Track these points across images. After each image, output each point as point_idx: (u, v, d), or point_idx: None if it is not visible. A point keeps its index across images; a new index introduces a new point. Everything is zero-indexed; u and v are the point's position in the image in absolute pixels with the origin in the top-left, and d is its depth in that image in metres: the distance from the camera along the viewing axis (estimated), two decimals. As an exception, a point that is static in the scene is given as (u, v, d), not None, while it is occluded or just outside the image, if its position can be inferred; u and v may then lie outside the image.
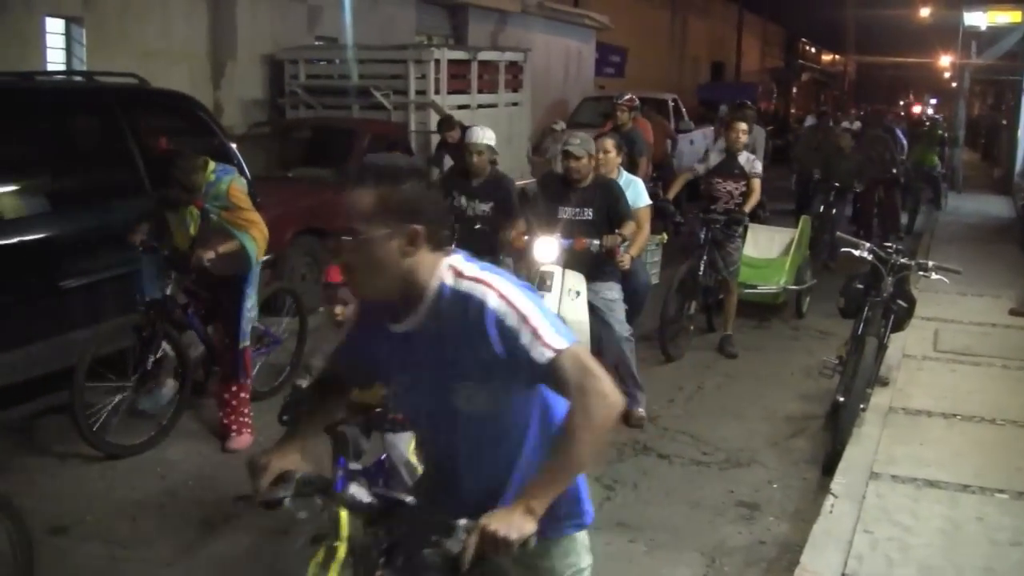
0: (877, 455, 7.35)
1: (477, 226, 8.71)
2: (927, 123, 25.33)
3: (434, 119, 14.68)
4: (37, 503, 6.65)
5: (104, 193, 8.80)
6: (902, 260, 8.39)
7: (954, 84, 37.38)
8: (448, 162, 12.84)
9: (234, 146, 10.31)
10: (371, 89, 15.24)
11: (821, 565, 5.69)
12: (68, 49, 13.74)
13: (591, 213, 8.01)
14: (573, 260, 7.84)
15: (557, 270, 7.71)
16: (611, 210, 8.06)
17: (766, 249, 12.83)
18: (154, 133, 9.40)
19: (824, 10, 58.12)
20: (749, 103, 18.88)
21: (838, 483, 6.84)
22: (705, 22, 47.36)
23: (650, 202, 9.07)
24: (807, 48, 73.60)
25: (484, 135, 8.81)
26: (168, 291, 7.74)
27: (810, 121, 27.37)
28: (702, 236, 10.54)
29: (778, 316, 12.43)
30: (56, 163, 8.68)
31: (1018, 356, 10.11)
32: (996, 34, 26.30)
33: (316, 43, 17.80)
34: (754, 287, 11.88)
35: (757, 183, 10.72)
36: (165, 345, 7.83)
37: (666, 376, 9.81)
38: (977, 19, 25.84)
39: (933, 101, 68.83)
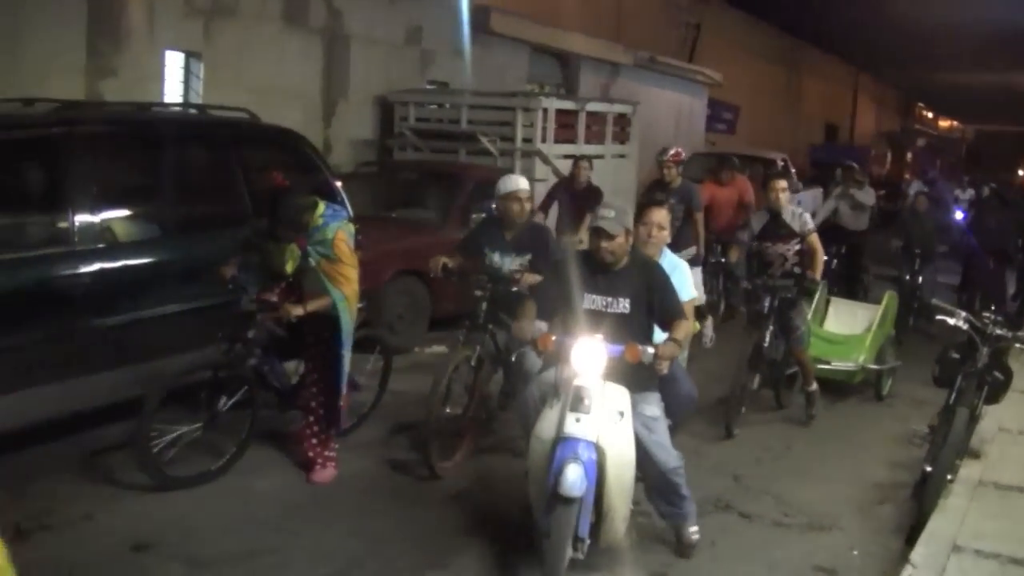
0: (962, 527, 7.21)
1: (514, 288, 8.17)
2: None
3: (540, 167, 14.78)
4: (121, 520, 6.86)
5: (211, 223, 9.04)
6: (999, 331, 8.28)
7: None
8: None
9: (339, 184, 10.47)
10: (478, 134, 15.38)
11: (895, 636, 5.61)
12: (186, 82, 14.12)
13: (627, 304, 6.44)
14: (609, 368, 6.18)
15: (597, 385, 6.09)
16: (655, 302, 6.49)
17: (848, 324, 12.31)
18: (261, 167, 9.60)
19: (943, 74, 57.57)
20: (854, 165, 18.76)
21: (919, 553, 6.72)
22: (821, 82, 47.11)
23: (695, 294, 7.61)
24: (924, 112, 72.89)
25: (523, 181, 8.61)
26: (251, 334, 7.73)
27: (916, 187, 27.04)
28: (766, 305, 9.98)
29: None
30: (167, 192, 8.83)
31: (1119, 435, 9.88)
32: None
33: (428, 87, 18.02)
34: (829, 363, 11.12)
35: (815, 239, 10.18)
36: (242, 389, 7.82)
37: (754, 435, 9.75)
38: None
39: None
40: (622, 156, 17.66)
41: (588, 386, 6.00)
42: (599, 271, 6.46)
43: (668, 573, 6.66)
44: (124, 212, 8.46)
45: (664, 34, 29.05)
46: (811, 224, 10.20)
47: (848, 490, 8.53)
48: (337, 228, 7.55)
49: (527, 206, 8.38)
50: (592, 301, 6.42)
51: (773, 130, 38.91)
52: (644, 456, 6.29)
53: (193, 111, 10.89)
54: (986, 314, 8.82)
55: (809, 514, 7.89)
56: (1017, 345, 8.49)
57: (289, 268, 7.73)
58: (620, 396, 6.16)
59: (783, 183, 10.27)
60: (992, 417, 9.60)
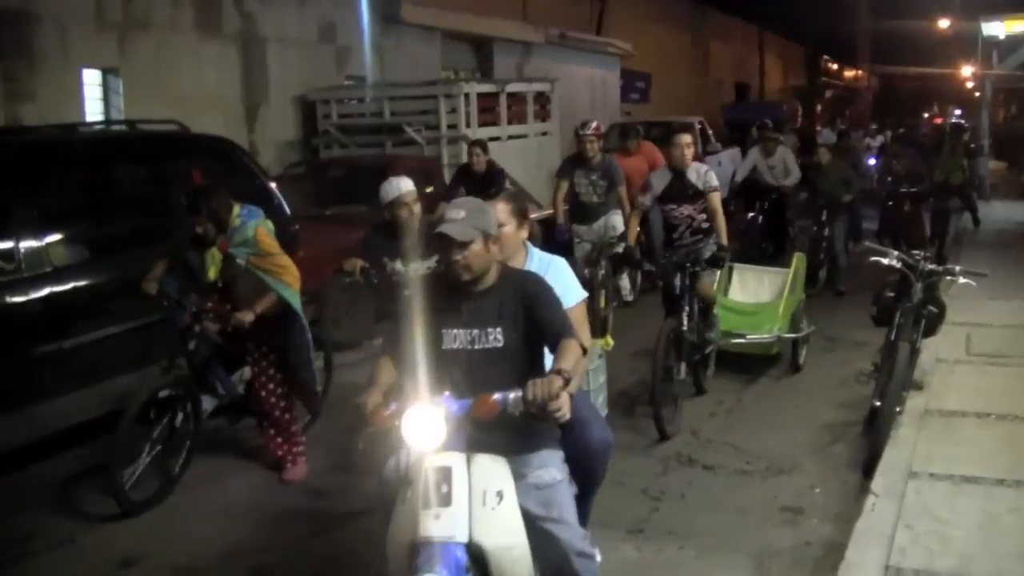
0: (915, 455, 7.57)
1: None
2: (947, 132, 23.93)
3: (465, 152, 14.97)
4: (103, 540, 6.98)
5: (149, 240, 8.92)
6: (930, 267, 8.61)
7: (977, 94, 37.43)
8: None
9: (274, 186, 10.63)
10: (403, 125, 15.53)
11: (866, 560, 5.91)
12: (105, 99, 14.13)
13: (500, 335, 4.65)
14: (478, 429, 4.45)
15: (456, 462, 4.38)
16: (537, 323, 4.64)
17: (755, 292, 11.54)
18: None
19: (843, 25, 58.34)
20: (769, 124, 19.02)
21: (878, 483, 7.06)
22: (727, 44, 47.59)
23: (584, 295, 5.55)
24: (829, 65, 73.70)
25: (405, 183, 7.48)
26: (192, 347, 7.68)
27: (827, 137, 27.49)
28: (677, 284, 9.15)
29: (816, 330, 12.57)
30: (100, 212, 8.94)
31: (1048, 357, 10.31)
32: (1015, 42, 26.43)
33: (346, 83, 18.13)
34: (742, 336, 10.32)
35: (716, 199, 9.39)
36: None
37: (706, 392, 10.02)
38: (995, 29, 25.98)
39: (958, 112, 68.78)
40: (545, 133, 17.90)
41: (446, 466, 4.35)
42: (459, 295, 4.70)
43: (644, 528, 6.91)
44: (56, 237, 8.34)
45: (571, 9, 29.28)
46: (715, 182, 9.44)
47: (802, 434, 8.84)
48: (256, 225, 7.53)
49: (416, 208, 7.39)
50: (454, 338, 4.69)
51: (685, 95, 39.32)
52: (541, 540, 4.57)
53: (122, 127, 10.92)
54: (916, 251, 9.19)
55: (768, 460, 8.17)
56: (948, 278, 8.80)
57: (212, 274, 7.62)
58: (495, 469, 4.49)
59: (687, 138, 9.48)
60: (930, 350, 9.96)
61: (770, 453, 8.32)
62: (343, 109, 16.57)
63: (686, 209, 9.50)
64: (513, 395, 4.27)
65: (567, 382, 4.23)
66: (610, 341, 8.02)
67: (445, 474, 4.30)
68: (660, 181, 9.59)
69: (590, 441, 5.17)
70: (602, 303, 11.85)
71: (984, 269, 9.36)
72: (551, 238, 12.44)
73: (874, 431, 7.92)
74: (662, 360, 8.54)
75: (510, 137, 16.31)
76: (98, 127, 11.90)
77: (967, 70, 45.72)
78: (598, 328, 10.70)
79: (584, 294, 5.55)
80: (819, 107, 62.06)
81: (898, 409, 8.14)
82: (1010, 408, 8.62)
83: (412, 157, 14.90)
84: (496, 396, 4.31)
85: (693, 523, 7.01)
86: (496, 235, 4.71)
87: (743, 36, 50.09)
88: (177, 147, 10.07)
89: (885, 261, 8.67)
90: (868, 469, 7.52)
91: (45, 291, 7.93)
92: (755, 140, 21.53)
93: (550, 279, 4.93)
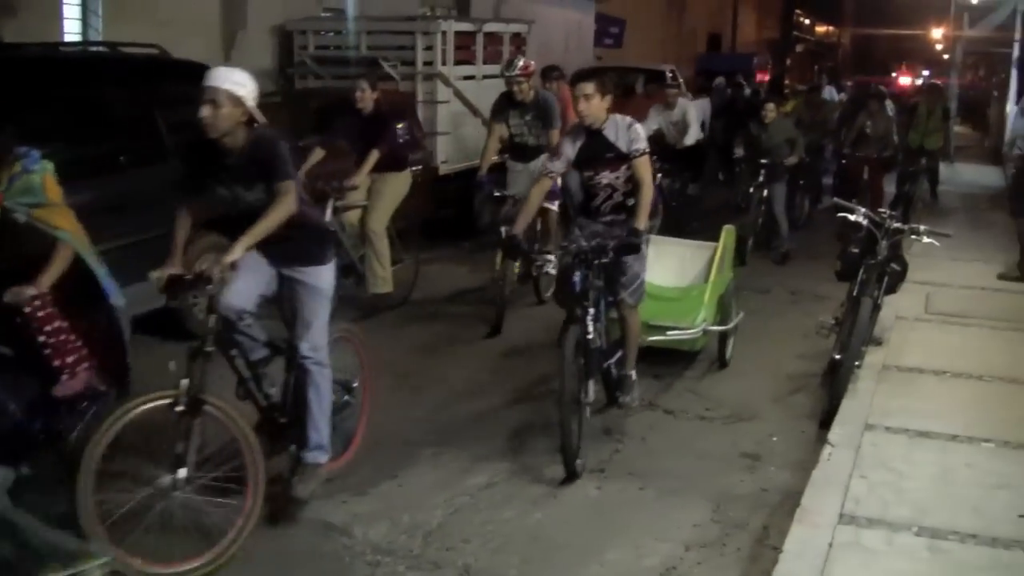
0: (872, 408, 7.78)
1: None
2: (923, 93, 21.17)
3: (441, 89, 14.98)
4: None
5: (130, 164, 9.05)
6: (896, 225, 8.79)
7: (947, 56, 37.67)
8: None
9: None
10: (379, 60, 15.52)
11: (821, 507, 6.09)
12: (84, 20, 14.03)
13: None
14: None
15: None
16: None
17: (676, 272, 9.85)
18: (176, 103, 9.75)
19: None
20: (739, 74, 19.12)
21: (835, 433, 7.26)
22: (703, -7, 47.58)
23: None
24: (802, 19, 73.76)
25: (229, 76, 5.79)
26: None
27: (830, 94, 27.39)
28: (577, 282, 7.18)
29: (780, 283, 12.82)
30: (81, 132, 8.85)
31: (1005, 317, 10.58)
32: (987, 6, 26.60)
33: (325, 14, 18.07)
34: (663, 330, 8.71)
35: (642, 164, 7.37)
36: None
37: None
38: (969, -8, 26.19)
39: (926, 73, 69.06)
40: (521, 74, 17.91)
41: None
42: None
43: (605, 468, 7.11)
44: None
45: (549, -50, 29.21)
46: (641, 142, 7.37)
47: (763, 383, 9.06)
48: (43, 171, 6.09)
49: (235, 113, 5.63)
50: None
51: (658, 42, 39.32)
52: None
53: (103, 49, 10.90)
54: (882, 209, 9.38)
55: (729, 407, 8.40)
56: (912, 237, 8.97)
57: None
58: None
59: (588, 87, 7.20)
60: (890, 307, 10.15)
61: (731, 400, 8.53)
62: (320, 41, 16.49)
63: (605, 176, 7.53)
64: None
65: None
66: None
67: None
68: (574, 142, 7.49)
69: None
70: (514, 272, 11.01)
71: (948, 230, 9.59)
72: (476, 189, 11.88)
73: (833, 383, 8.13)
74: (571, 388, 6.85)
75: (484, 77, 16.27)
76: (79, 47, 11.87)
77: (938, 32, 45.94)
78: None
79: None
80: (788, 61, 62.09)
81: (857, 363, 8.33)
82: (966, 367, 8.85)
83: (387, 91, 14.86)
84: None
85: (654, 465, 7.20)
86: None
87: (719, -15, 50.10)
88: (157, 71, 10.06)
89: (852, 217, 8.83)
90: (826, 420, 7.73)
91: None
92: (719, 88, 21.58)
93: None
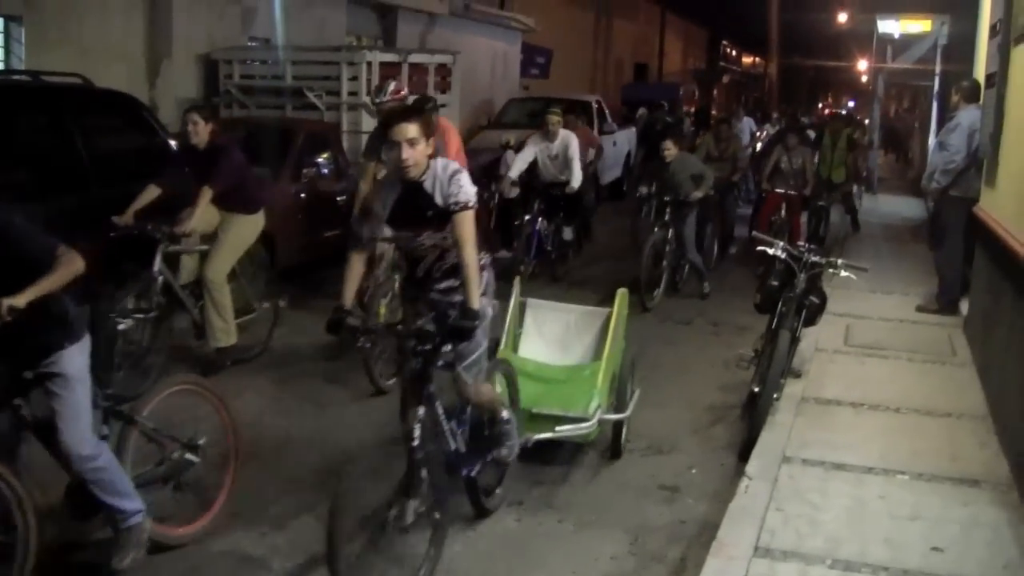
0: (789, 440, 7.85)
1: None
2: (827, 123, 21.46)
3: (366, 120, 14.99)
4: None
5: (51, 190, 9.10)
6: (814, 258, 8.89)
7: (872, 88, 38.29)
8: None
9: (173, 144, 10.65)
10: (304, 89, 15.54)
11: (736, 539, 6.13)
12: (6, 47, 13.95)
13: None
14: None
15: None
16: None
17: (559, 344, 8.36)
18: (98, 131, 9.76)
19: (746, 13, 59.14)
20: (663, 104, 19.17)
21: (753, 466, 7.32)
22: (630, 23, 47.86)
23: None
24: (729, 50, 74.52)
25: None
26: None
27: (747, 126, 27.51)
28: (414, 367, 5.80)
29: (702, 315, 12.90)
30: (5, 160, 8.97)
31: (922, 350, 10.70)
32: (909, 40, 27.03)
33: (250, 43, 18.05)
34: (550, 421, 7.21)
35: (463, 221, 5.79)
36: None
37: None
38: (891, 27, 26.55)
39: (851, 104, 70.07)
40: (444, 105, 17.96)
41: None
42: None
43: (524, 501, 7.11)
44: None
45: (475, -20, 29.37)
46: (462, 194, 5.78)
47: (683, 414, 9.08)
48: None
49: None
50: None
51: (586, 73, 39.59)
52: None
53: (25, 78, 10.87)
54: (801, 243, 9.50)
55: (649, 439, 8.39)
56: (830, 270, 9.08)
57: None
58: None
59: (410, 129, 5.67)
60: (810, 339, 10.27)
61: (651, 432, 8.53)
62: (245, 70, 16.49)
63: (428, 237, 6.05)
64: None
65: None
66: None
67: None
68: (385, 197, 6.02)
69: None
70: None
71: (866, 263, 9.74)
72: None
73: (752, 416, 8.19)
74: (392, 510, 5.55)
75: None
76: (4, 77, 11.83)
77: (863, 64, 46.56)
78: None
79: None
80: (715, 91, 62.77)
81: (776, 395, 8.39)
82: (883, 399, 8.96)
83: (312, 122, 14.91)
84: None
85: (573, 498, 7.21)
86: None
87: (646, 16, 50.39)
88: (79, 100, 10.04)
89: (771, 251, 8.92)
90: (744, 452, 7.79)
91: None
92: (641, 121, 21.43)
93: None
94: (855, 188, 21.08)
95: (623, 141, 24.04)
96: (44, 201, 8.84)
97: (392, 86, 9.90)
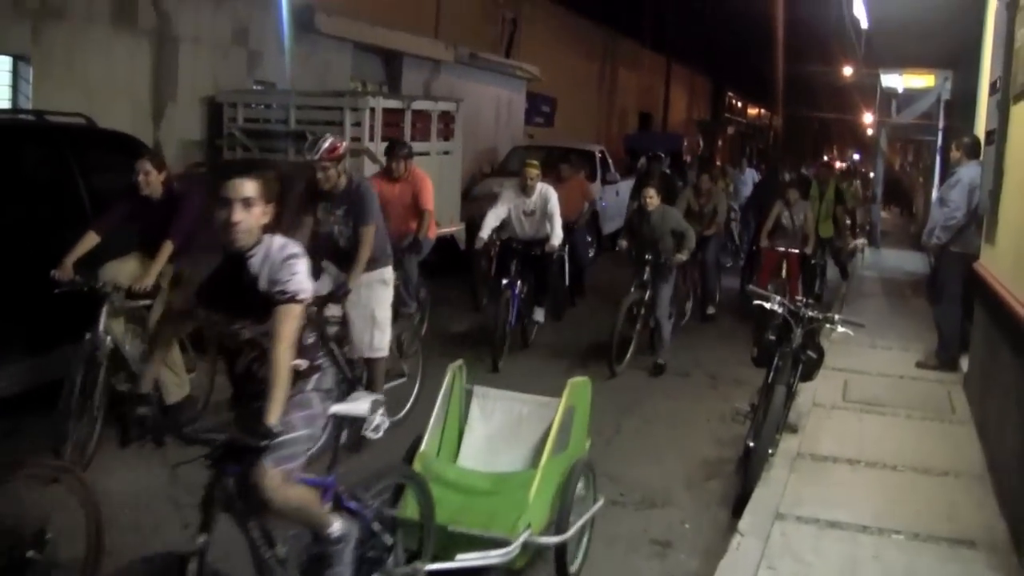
0: (783, 497, 7.80)
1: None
2: (814, 175, 19.63)
3: (368, 165, 14.99)
4: None
5: (48, 230, 9.12)
6: (811, 314, 8.86)
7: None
8: None
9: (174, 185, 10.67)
10: (306, 133, 15.54)
11: (727, 597, 6.11)
12: (14, 86, 13.99)
13: None
14: None
15: None
16: None
17: (506, 444, 7.13)
18: (99, 171, 9.79)
19: (751, 64, 59.39)
20: (661, 155, 18.98)
21: (745, 522, 7.27)
22: (634, 73, 47.99)
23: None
24: (734, 101, 74.70)
25: None
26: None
27: (748, 177, 27.53)
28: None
29: (699, 367, 12.85)
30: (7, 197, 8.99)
31: (921, 406, 10.66)
32: (913, 95, 27.12)
33: (255, 87, 18.11)
34: (466, 542, 5.99)
35: (286, 316, 4.71)
36: None
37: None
38: (894, 81, 26.63)
39: (856, 156, 70.23)
40: (447, 152, 17.99)
41: None
42: None
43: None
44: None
45: (483, 29, 29.46)
46: (296, 284, 4.74)
47: (678, 467, 9.05)
48: None
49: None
50: None
51: (590, 121, 39.65)
52: None
53: (29, 117, 10.91)
54: (798, 298, 9.47)
55: (642, 491, 8.37)
56: (827, 325, 9.06)
57: None
58: None
59: (246, 185, 4.76)
60: (807, 393, 10.25)
61: (645, 485, 8.50)
62: (250, 113, 16.50)
63: (246, 328, 4.89)
64: None
65: None
66: None
67: None
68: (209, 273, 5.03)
69: None
70: None
71: (866, 318, 9.73)
72: None
73: (747, 471, 8.14)
74: None
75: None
76: (5, 115, 11.86)
77: (868, 117, 46.69)
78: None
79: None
80: (720, 142, 62.93)
81: (771, 451, 8.37)
82: (880, 456, 8.91)
83: (291, 164, 14.86)
84: None
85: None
86: None
87: (651, 66, 50.53)
88: (82, 140, 10.09)
89: (768, 305, 8.90)
90: (737, 508, 7.74)
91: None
92: (641, 171, 21.18)
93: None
94: (858, 243, 20.86)
95: (626, 191, 24.02)
96: (43, 239, 8.87)
97: (327, 143, 8.58)
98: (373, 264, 8.87)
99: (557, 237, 12.66)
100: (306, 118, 15.80)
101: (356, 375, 8.88)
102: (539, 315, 13.44)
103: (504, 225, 12.97)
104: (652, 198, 12.55)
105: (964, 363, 11.99)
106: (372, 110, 15.41)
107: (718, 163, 38.02)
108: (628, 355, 12.34)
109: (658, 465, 9.05)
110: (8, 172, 9.18)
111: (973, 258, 11.10)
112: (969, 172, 11.70)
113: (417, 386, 9.99)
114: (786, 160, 29.47)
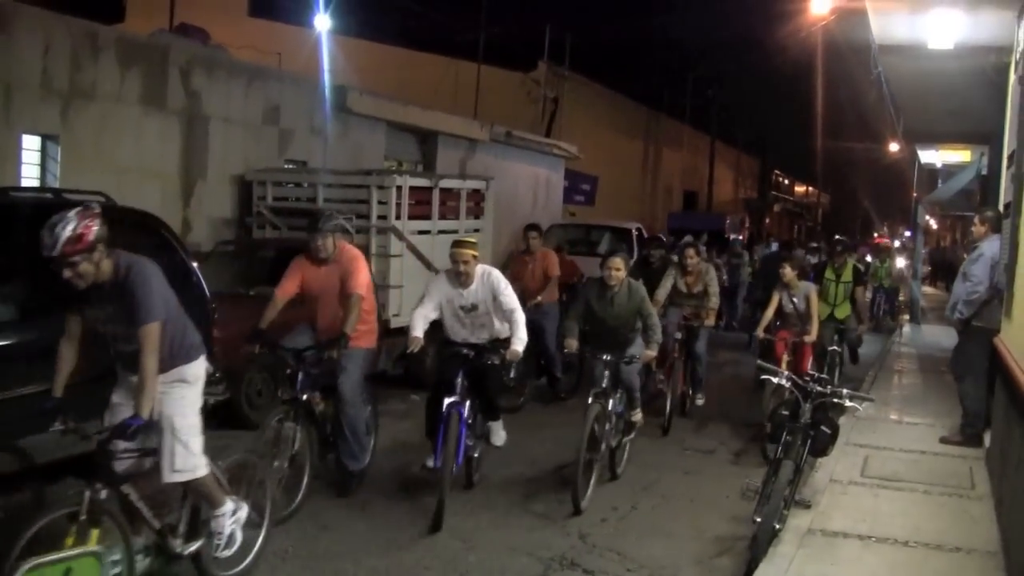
0: (787, 573, 7.69)
1: None
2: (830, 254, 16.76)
3: (395, 243, 15.07)
4: None
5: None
6: (818, 388, 8.80)
7: (927, 218, 38.25)
8: None
9: (195, 265, 10.76)
10: (334, 212, 15.64)
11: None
12: (43, 165, 14.22)
13: None
14: None
15: None
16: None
17: None
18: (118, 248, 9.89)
19: (798, 143, 59.50)
20: (704, 234, 19.01)
21: (748, 600, 7.20)
22: (678, 152, 48.27)
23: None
24: (781, 179, 74.80)
25: None
26: None
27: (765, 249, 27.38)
28: None
29: (724, 444, 12.75)
30: (23, 274, 9.06)
31: (940, 482, 10.49)
32: (954, 170, 27.05)
33: (286, 166, 18.30)
34: None
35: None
36: None
37: (602, 496, 10.04)
38: (931, 157, 26.62)
39: (907, 234, 69.85)
40: (476, 230, 18.06)
41: None
42: None
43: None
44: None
45: (522, 109, 29.79)
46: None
47: (689, 544, 8.93)
48: None
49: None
50: None
51: (633, 200, 39.83)
52: None
53: (48, 195, 11.06)
54: (808, 373, 9.41)
55: (651, 568, 8.26)
56: (836, 400, 8.98)
57: None
58: None
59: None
60: (825, 469, 10.15)
61: (654, 562, 8.40)
62: (279, 192, 16.67)
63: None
64: None
65: None
66: None
67: None
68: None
69: None
70: None
71: (891, 395, 9.60)
72: None
73: (751, 547, 8.05)
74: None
75: (440, 232, 16.40)
76: (25, 193, 12.04)
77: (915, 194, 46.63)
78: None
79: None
80: (767, 220, 62.97)
81: (778, 526, 8.27)
82: (893, 532, 8.77)
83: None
84: None
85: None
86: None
87: (696, 145, 50.81)
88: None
89: (775, 380, 8.85)
90: (743, 585, 7.65)
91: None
92: (680, 250, 20.04)
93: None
94: (902, 321, 20.26)
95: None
96: (57, 318, 8.95)
97: (68, 230, 6.10)
98: (170, 362, 6.72)
99: (520, 341, 9.50)
100: (334, 196, 15.96)
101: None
102: (497, 437, 10.36)
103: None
104: (619, 270, 10.38)
105: (988, 438, 11.83)
106: (399, 188, 15.49)
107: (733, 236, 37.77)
108: (592, 483, 9.91)
109: (670, 541, 8.95)
110: (23, 249, 9.28)
111: (995, 332, 11.01)
112: (991, 246, 11.62)
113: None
114: (819, 236, 29.21)
